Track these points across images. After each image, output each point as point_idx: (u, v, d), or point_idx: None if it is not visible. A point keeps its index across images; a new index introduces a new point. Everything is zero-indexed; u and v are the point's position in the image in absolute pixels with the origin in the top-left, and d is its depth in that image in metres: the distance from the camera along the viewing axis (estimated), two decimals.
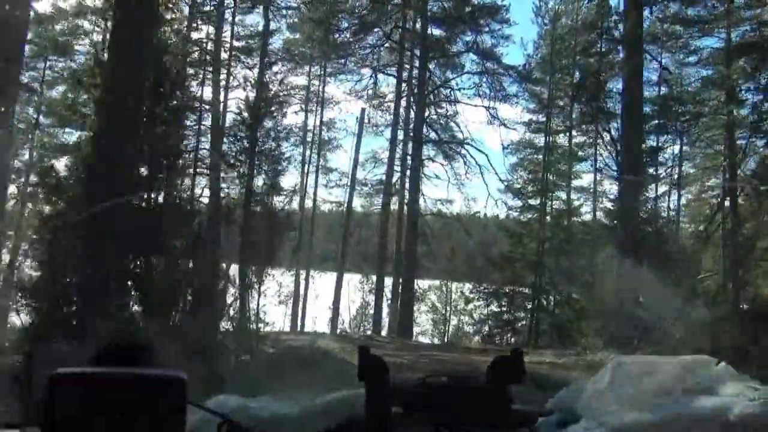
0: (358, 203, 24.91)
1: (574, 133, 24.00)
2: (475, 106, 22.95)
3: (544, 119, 23.01)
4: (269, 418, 2.42)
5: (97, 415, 1.28)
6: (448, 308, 26.10)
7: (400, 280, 22.45)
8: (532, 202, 23.30)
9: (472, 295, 24.01)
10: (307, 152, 24.29)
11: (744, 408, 2.70)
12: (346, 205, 23.81)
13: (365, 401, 1.66)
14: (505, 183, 23.07)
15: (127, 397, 1.30)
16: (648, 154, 17.98)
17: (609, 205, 21.40)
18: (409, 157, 22.93)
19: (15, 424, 1.62)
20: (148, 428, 1.30)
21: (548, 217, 22.88)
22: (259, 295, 13.23)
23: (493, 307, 23.36)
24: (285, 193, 14.66)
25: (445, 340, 25.10)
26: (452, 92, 23.14)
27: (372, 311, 24.01)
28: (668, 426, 2.51)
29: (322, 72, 24.37)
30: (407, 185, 22.97)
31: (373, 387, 1.65)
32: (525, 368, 1.77)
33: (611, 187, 23.96)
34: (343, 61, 24.14)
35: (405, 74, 23.37)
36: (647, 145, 17.70)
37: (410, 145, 23.03)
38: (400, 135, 23.42)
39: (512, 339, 22.86)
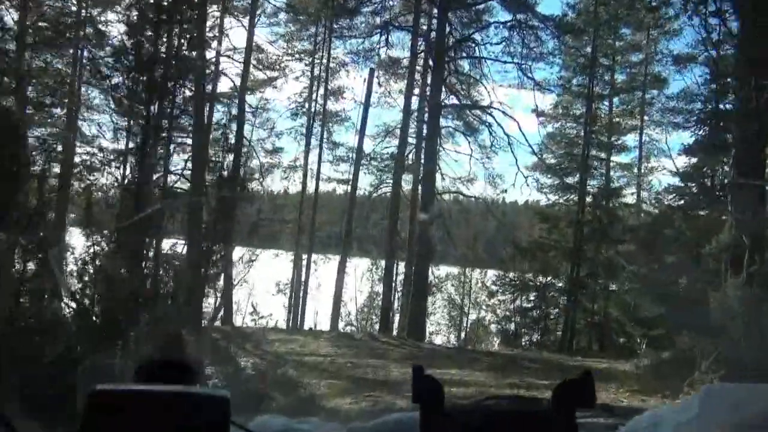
0: (367, 182, 21.78)
1: (615, 101, 20.78)
2: (504, 62, 19.46)
3: (586, 80, 19.57)
4: None
5: None
6: (467, 300, 23.02)
7: (413, 268, 19.25)
8: (568, 180, 19.94)
9: (495, 287, 20.85)
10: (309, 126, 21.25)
11: None
12: (351, 180, 20.57)
13: (420, 425, 1.51)
14: (539, 156, 19.71)
15: (168, 416, 1.27)
16: None
17: (676, 181, 18.00)
18: (425, 127, 19.61)
19: None
20: None
21: (589, 197, 19.54)
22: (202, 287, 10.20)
23: (520, 302, 20.20)
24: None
25: (462, 336, 22.15)
26: (476, 48, 19.69)
27: (380, 303, 20.96)
28: None
29: (326, 32, 21.12)
30: (422, 159, 19.67)
31: (428, 410, 1.52)
32: (595, 392, 1.52)
33: (660, 164, 20.70)
34: (349, 19, 20.84)
35: (421, 29, 20.02)
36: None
37: (426, 114, 19.72)
38: (415, 104, 20.10)
39: (541, 339, 19.74)
